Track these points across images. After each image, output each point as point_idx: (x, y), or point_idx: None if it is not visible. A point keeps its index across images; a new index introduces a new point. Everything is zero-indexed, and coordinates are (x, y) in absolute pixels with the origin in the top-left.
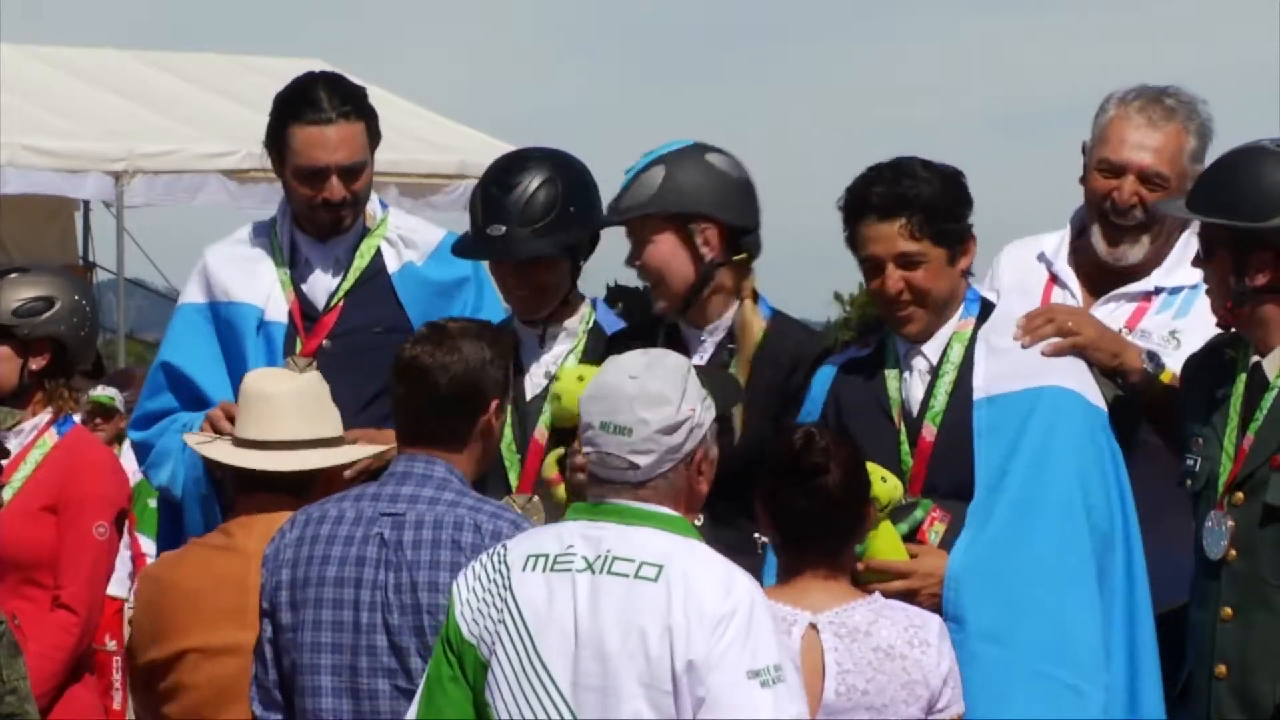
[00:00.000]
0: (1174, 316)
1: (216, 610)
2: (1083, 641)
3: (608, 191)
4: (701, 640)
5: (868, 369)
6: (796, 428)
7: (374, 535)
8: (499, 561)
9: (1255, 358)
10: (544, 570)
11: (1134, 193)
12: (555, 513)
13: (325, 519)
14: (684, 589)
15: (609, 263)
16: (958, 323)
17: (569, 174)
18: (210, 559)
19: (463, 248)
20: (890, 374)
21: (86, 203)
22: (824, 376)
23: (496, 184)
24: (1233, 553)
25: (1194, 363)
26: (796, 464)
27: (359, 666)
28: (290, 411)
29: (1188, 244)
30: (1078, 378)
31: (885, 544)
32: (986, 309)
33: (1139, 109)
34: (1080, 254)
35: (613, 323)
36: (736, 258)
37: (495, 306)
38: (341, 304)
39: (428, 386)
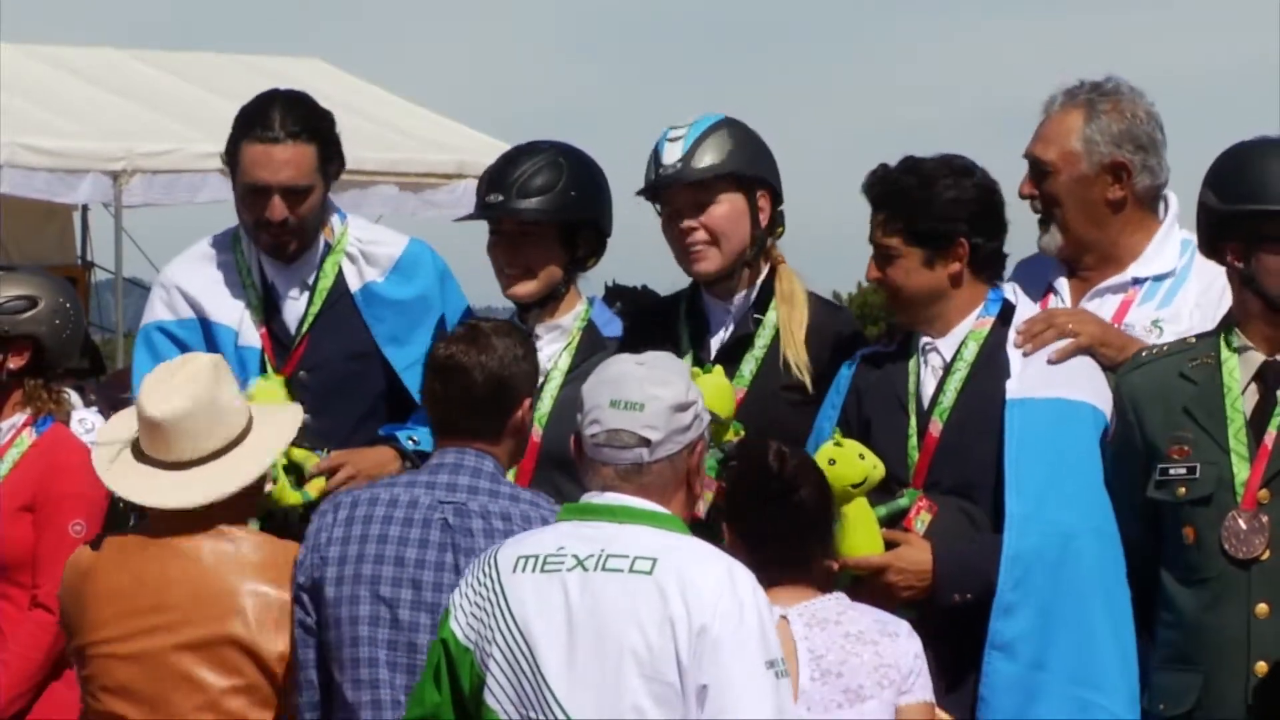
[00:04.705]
0: (1157, 307)
1: (124, 610)
2: (1121, 666)
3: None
4: (713, 630)
5: (890, 360)
6: (764, 447)
7: (436, 519)
8: (490, 566)
9: (1262, 356)
10: (534, 571)
11: (1027, 184)
12: None
13: (376, 501)
14: (680, 581)
15: (606, 263)
16: (975, 321)
17: (577, 165)
18: (128, 559)
19: (467, 217)
20: (910, 367)
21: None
22: (846, 373)
23: (505, 160)
24: (1267, 552)
25: (1144, 376)
26: (770, 484)
27: (417, 644)
28: (193, 430)
29: (1169, 232)
30: (1102, 392)
31: (859, 526)
32: (1008, 310)
33: (1045, 109)
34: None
35: (610, 319)
36: (779, 230)
37: (458, 311)
38: (309, 333)
39: (465, 384)
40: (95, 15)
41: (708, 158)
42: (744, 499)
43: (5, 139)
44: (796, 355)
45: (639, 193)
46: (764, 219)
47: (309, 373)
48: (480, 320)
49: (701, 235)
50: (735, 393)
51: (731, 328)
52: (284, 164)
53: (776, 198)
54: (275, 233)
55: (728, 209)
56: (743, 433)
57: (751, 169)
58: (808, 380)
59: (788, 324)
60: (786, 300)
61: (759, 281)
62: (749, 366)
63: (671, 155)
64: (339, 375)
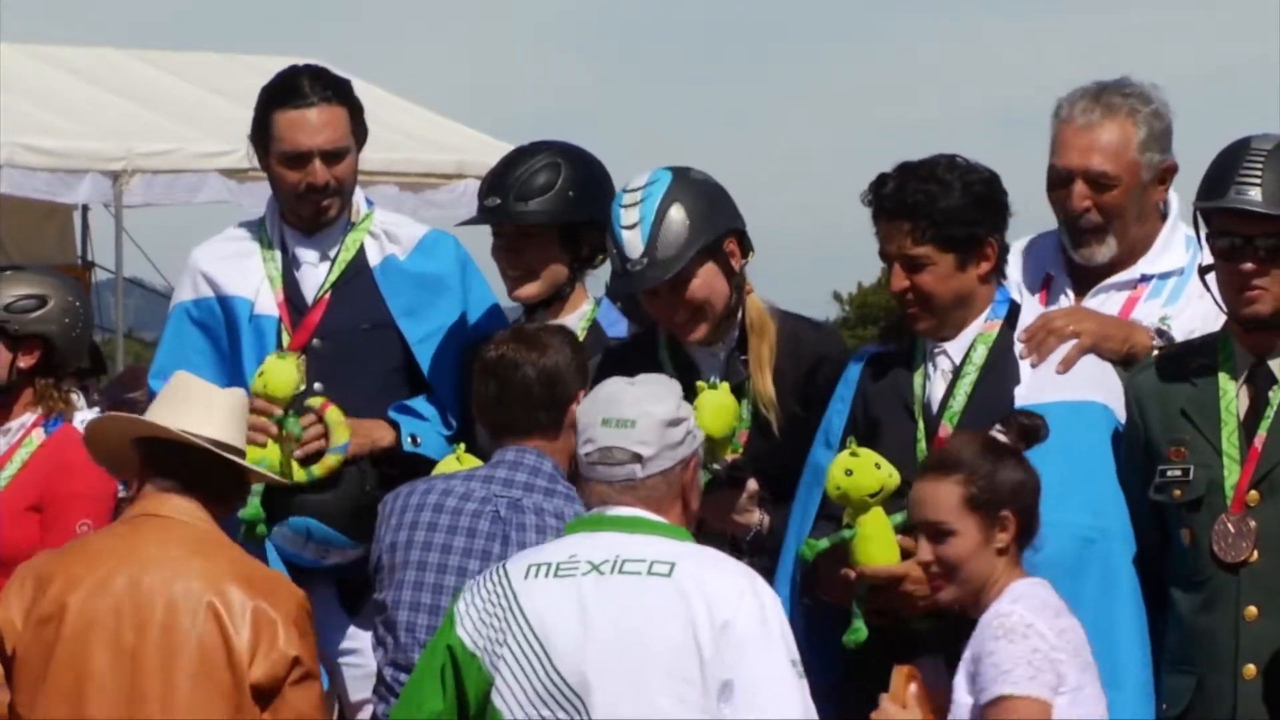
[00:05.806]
0: (1164, 304)
1: None
2: (1140, 663)
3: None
4: (738, 626)
5: (895, 364)
6: (1014, 425)
7: (488, 511)
8: (500, 575)
9: (1252, 358)
10: (547, 576)
11: (1083, 197)
12: None
13: (432, 490)
14: (700, 583)
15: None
16: (983, 324)
17: (577, 164)
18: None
19: (467, 221)
20: (916, 371)
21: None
22: (854, 369)
23: (504, 163)
24: (1254, 554)
25: (1149, 376)
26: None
27: None
28: (224, 413)
29: (1174, 229)
30: (1112, 389)
31: (876, 536)
32: (1014, 310)
33: (1081, 110)
34: (1066, 252)
35: (616, 319)
36: (747, 258)
37: (484, 302)
38: (327, 299)
39: (519, 380)
40: (95, 15)
41: (671, 245)
42: (1021, 468)
43: (5, 139)
44: (764, 390)
45: (606, 293)
46: (736, 263)
47: (323, 340)
48: (527, 325)
49: (684, 313)
50: (740, 434)
51: (723, 373)
52: (321, 126)
53: (740, 233)
54: (317, 198)
55: (703, 279)
56: (741, 450)
57: (713, 231)
58: (774, 418)
59: (757, 355)
60: (756, 332)
61: (738, 319)
62: (745, 408)
63: (633, 248)
64: (353, 345)
